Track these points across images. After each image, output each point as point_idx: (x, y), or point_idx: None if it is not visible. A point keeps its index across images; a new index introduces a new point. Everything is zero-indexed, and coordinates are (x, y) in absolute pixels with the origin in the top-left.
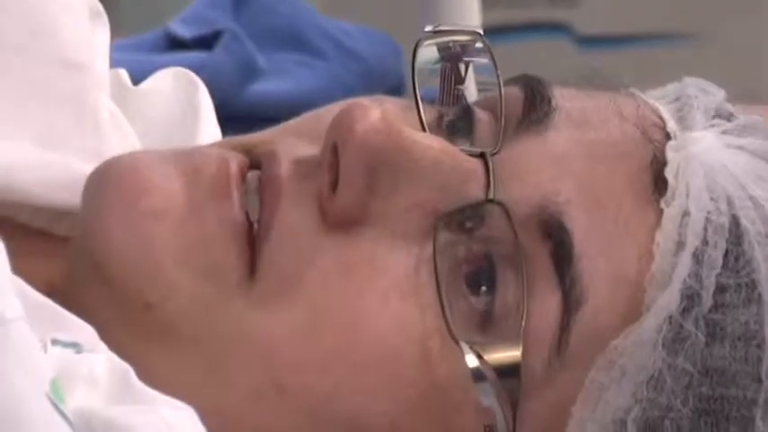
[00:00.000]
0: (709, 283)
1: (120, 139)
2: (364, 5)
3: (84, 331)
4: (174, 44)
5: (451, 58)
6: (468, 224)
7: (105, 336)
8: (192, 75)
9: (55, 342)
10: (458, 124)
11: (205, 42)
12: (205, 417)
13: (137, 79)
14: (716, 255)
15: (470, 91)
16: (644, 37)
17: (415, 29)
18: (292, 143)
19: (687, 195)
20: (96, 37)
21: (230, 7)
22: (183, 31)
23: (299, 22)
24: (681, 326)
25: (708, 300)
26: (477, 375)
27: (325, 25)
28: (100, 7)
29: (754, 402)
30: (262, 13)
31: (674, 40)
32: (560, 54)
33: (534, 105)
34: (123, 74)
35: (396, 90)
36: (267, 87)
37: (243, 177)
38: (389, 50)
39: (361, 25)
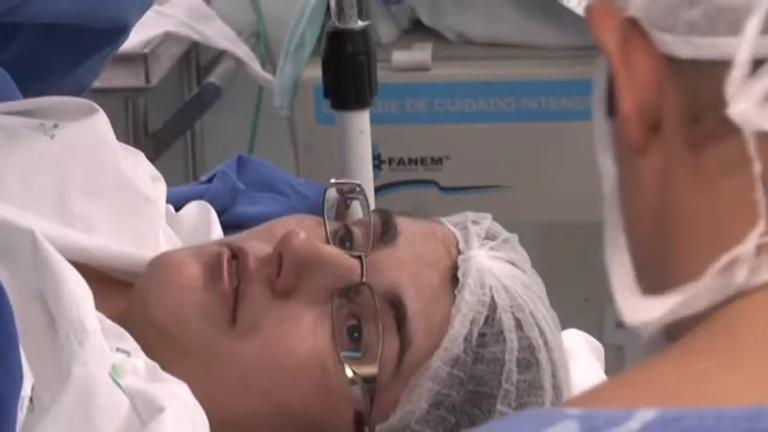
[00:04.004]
0: (475, 332)
1: (168, 242)
2: (315, 172)
3: (134, 345)
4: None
5: (344, 196)
6: (351, 295)
7: (148, 352)
8: (207, 204)
9: (118, 349)
10: (346, 236)
11: (210, 181)
12: (201, 400)
13: (173, 199)
14: (480, 317)
15: (354, 215)
16: (477, 188)
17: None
18: (256, 245)
19: (467, 288)
20: (157, 189)
21: (235, 169)
22: (203, 178)
23: (274, 177)
24: (457, 354)
25: (474, 340)
26: (352, 381)
27: (287, 179)
28: (158, 173)
29: (496, 396)
30: (253, 173)
31: (493, 189)
32: (429, 198)
33: (388, 229)
34: (170, 207)
35: None
36: (251, 210)
37: (230, 264)
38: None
39: (310, 180)
